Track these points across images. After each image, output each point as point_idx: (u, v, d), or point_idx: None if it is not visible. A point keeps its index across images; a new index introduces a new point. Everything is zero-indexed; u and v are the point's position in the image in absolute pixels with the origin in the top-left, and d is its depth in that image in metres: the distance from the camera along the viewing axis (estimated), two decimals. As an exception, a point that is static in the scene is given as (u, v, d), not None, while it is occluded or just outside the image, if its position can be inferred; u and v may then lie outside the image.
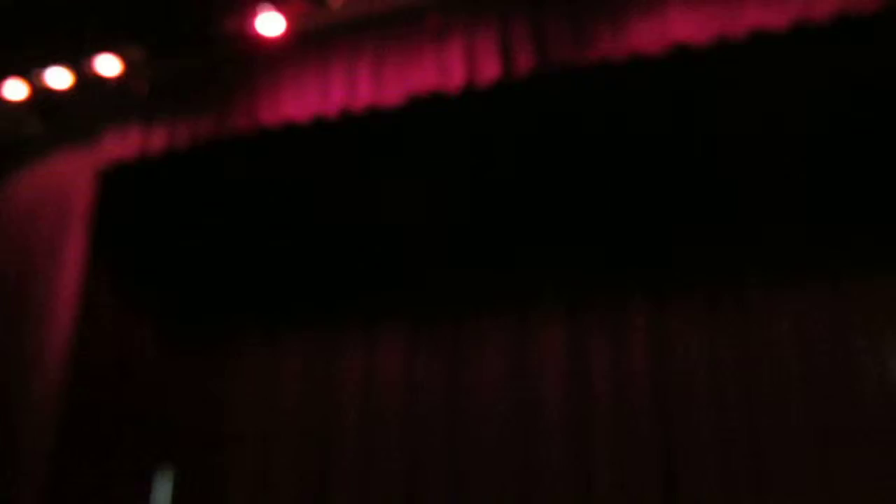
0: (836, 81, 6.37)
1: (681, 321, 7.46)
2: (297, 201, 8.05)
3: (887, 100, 6.36)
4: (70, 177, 7.16)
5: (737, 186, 7.30)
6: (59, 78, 6.96)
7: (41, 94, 7.16)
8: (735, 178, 7.26)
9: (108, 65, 6.80)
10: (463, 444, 7.79)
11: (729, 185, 7.31)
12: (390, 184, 7.71)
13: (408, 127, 6.77)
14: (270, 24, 6.37)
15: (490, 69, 5.94)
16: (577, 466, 7.38)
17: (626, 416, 7.37)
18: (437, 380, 8.12)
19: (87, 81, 6.95)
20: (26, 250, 7.09)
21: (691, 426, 7.15)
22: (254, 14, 6.35)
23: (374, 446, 8.09)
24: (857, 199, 6.97)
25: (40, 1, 6.65)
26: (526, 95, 6.45)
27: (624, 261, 7.67)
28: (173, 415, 7.88)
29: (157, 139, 6.66)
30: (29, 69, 7.01)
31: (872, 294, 6.89)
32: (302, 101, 6.36)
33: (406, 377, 8.23)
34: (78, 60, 6.87)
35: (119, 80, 6.91)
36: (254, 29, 6.42)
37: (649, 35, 5.70)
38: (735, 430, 7.02)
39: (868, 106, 6.47)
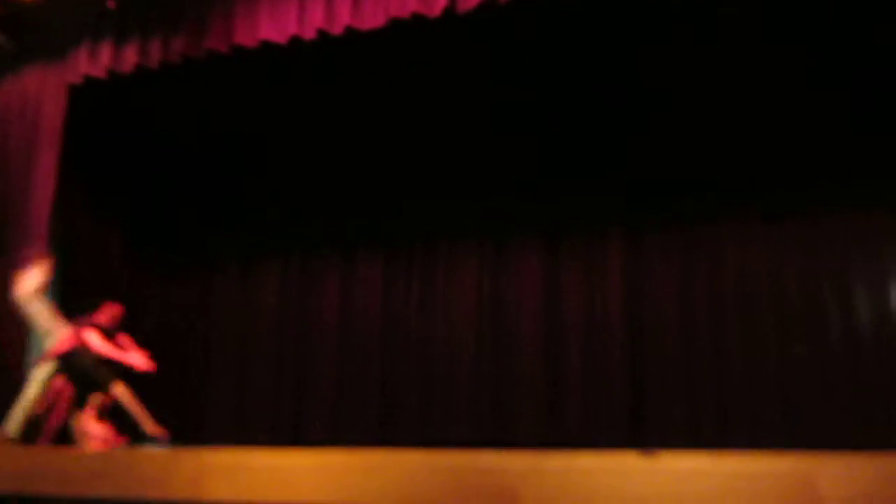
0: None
1: (656, 256, 7.54)
2: (272, 125, 7.94)
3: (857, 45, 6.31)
4: (41, 92, 7.01)
5: (714, 124, 7.29)
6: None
7: (10, 8, 6.95)
8: (713, 116, 7.25)
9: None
10: (437, 370, 7.94)
11: (707, 124, 7.30)
12: (367, 109, 7.61)
13: (387, 51, 6.62)
14: (249, -61, 6.15)
15: (472, -7, 5.78)
16: (549, 394, 7.56)
17: (598, 347, 7.51)
18: (412, 308, 8.22)
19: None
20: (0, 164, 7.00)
21: (661, 359, 7.30)
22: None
23: (350, 373, 8.22)
24: (829, 143, 6.99)
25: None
26: (508, 21, 6.31)
27: (602, 195, 7.70)
28: (147, 333, 7.93)
29: (130, 56, 6.49)
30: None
31: (841, 235, 7.00)
32: (279, 22, 6.16)
33: (382, 305, 8.32)
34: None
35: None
36: (231, -56, 6.20)
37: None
38: (703, 364, 7.18)
39: (839, 52, 6.43)
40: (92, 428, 5.92)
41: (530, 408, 7.55)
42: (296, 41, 6.09)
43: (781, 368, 6.91)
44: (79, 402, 5.93)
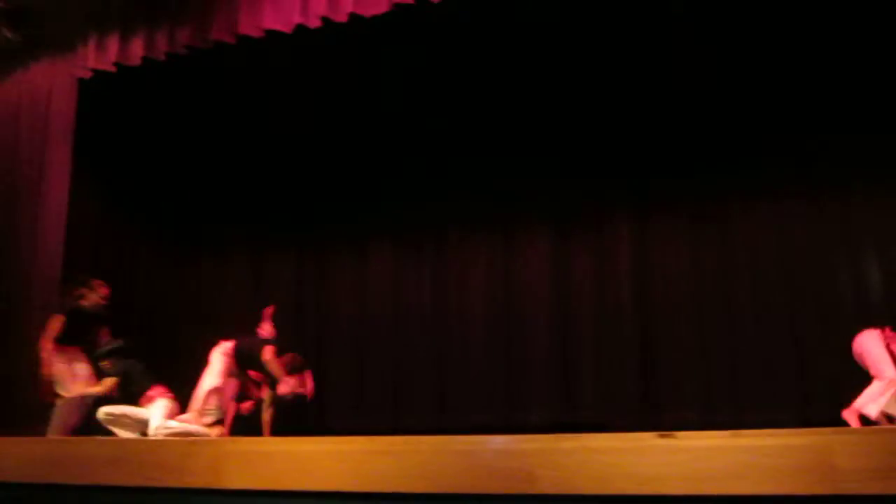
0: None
1: (664, 234, 7.53)
2: (279, 112, 7.94)
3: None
4: (51, 87, 7.06)
5: (720, 102, 7.25)
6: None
7: (16, 2, 6.98)
8: (719, 93, 7.21)
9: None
10: (450, 358, 7.96)
11: (713, 101, 7.26)
12: (372, 95, 7.60)
13: (390, 36, 6.59)
14: (251, -71, 6.12)
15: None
16: (562, 377, 7.57)
17: (610, 328, 7.51)
18: (424, 296, 8.23)
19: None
20: (11, 160, 7.05)
21: (673, 339, 7.30)
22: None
23: (364, 362, 8.25)
24: (837, 121, 6.93)
25: None
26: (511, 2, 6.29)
27: (609, 175, 7.67)
28: (163, 321, 7.98)
29: (136, 49, 6.50)
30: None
31: (850, 211, 6.97)
32: (283, 11, 6.14)
33: (394, 294, 8.33)
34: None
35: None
36: (234, -65, 6.17)
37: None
38: (715, 343, 7.17)
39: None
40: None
41: (543, 392, 7.58)
42: (300, 30, 6.08)
43: (794, 345, 6.90)
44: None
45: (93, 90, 6.90)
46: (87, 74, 6.76)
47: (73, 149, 6.76)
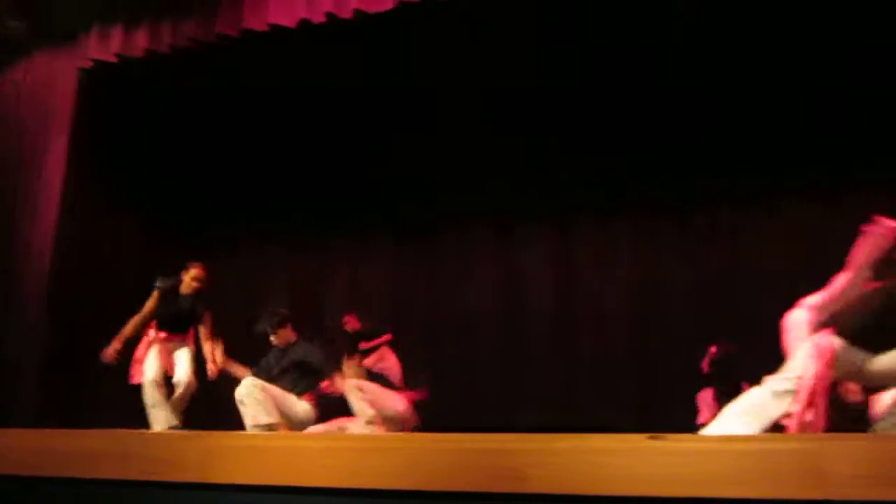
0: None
1: (665, 238, 7.53)
2: (282, 108, 7.93)
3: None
4: (53, 77, 7.08)
5: (715, 112, 7.23)
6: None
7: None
8: (724, 95, 7.17)
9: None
10: (446, 358, 7.95)
11: (708, 111, 7.23)
12: (376, 91, 7.58)
13: (397, 32, 6.57)
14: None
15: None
16: (559, 380, 7.56)
17: (608, 330, 7.52)
18: (422, 296, 8.23)
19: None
20: (10, 150, 7.06)
21: (671, 343, 7.28)
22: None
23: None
24: (828, 127, 6.90)
25: None
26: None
27: (610, 181, 7.65)
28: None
29: (140, 40, 6.50)
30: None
31: (842, 219, 6.89)
32: (288, 5, 6.16)
33: (393, 294, 8.33)
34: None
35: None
36: (240, -73, 6.18)
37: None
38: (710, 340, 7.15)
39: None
40: None
41: (540, 393, 7.56)
42: (305, 24, 6.06)
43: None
44: None
45: (95, 81, 6.89)
46: (89, 64, 6.77)
47: (72, 140, 6.75)
